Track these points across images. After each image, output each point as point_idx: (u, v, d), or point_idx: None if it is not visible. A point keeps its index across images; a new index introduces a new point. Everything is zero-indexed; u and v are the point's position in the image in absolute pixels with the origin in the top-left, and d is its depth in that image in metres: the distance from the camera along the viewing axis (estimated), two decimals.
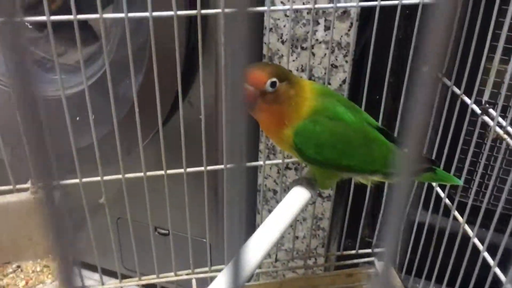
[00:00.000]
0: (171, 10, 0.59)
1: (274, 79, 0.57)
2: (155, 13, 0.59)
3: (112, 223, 1.15)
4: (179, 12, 0.59)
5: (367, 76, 0.75)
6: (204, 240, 1.09)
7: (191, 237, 0.89)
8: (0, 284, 0.68)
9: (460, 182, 0.66)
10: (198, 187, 0.84)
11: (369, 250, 0.85)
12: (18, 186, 0.67)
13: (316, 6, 0.68)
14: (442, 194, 0.71)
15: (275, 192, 1.07)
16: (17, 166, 0.69)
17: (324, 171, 0.64)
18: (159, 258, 0.90)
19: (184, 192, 0.81)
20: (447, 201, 0.71)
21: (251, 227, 1.14)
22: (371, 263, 0.84)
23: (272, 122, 0.62)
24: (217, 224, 1.11)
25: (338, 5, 0.68)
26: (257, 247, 0.51)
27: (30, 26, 1.16)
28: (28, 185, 0.66)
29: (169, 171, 0.78)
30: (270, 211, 1.12)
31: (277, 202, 1.08)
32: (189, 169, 0.79)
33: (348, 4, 0.73)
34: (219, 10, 0.61)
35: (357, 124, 0.62)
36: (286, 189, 1.07)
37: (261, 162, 0.84)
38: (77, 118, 1.02)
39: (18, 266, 0.71)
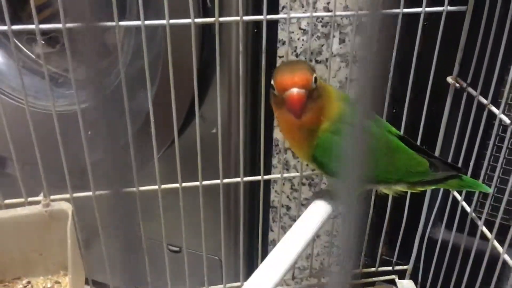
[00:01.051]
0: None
1: (314, 74, 0.54)
2: (172, 21, 0.57)
3: None
4: (197, 20, 0.57)
5: (388, 89, 0.73)
6: (216, 257, 1.06)
7: (200, 254, 0.86)
8: None
9: (490, 189, 0.63)
10: (211, 203, 0.82)
11: (388, 268, 0.82)
12: (29, 199, 0.65)
13: (337, 13, 0.65)
14: (468, 209, 0.68)
15: (288, 208, 1.04)
16: (29, 180, 0.67)
17: None
18: (168, 276, 0.87)
19: (197, 207, 0.78)
20: (474, 215, 0.67)
21: (264, 244, 1.11)
22: (391, 282, 0.80)
23: (312, 120, 0.56)
24: (229, 240, 1.07)
25: (360, 12, 0.66)
26: (278, 263, 0.48)
27: (42, 42, 1.15)
28: (40, 197, 0.64)
29: (184, 184, 0.76)
30: (283, 228, 1.09)
31: (290, 218, 1.05)
32: (204, 182, 0.76)
33: None
34: (237, 18, 0.59)
35: (378, 132, 0.60)
36: (300, 205, 1.04)
37: (278, 175, 0.82)
38: (89, 133, 1.00)
39: (29, 282, 0.68)
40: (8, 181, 1.07)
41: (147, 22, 0.57)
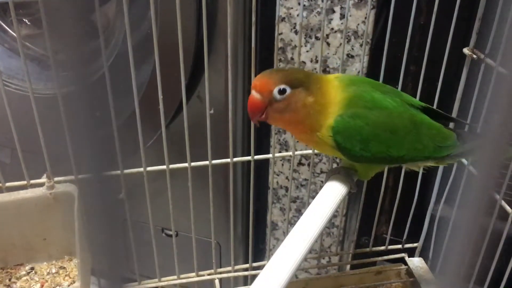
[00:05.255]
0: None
1: (282, 86, 0.52)
2: None
3: None
4: None
5: (382, 65, 0.69)
6: (215, 241, 1.02)
7: (197, 237, 0.82)
8: (14, 287, 0.60)
9: None
10: (207, 186, 0.77)
11: (398, 246, 0.79)
12: (32, 181, 0.60)
13: None
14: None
15: (287, 189, 1.01)
16: (28, 163, 0.61)
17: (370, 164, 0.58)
18: (164, 261, 0.82)
19: (195, 191, 0.74)
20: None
21: (263, 225, 1.07)
22: (401, 260, 0.77)
23: (293, 130, 0.58)
24: (228, 223, 1.03)
25: None
26: (297, 245, 0.44)
27: (28, 23, 1.08)
28: (43, 180, 0.58)
29: (171, 166, 0.71)
30: (281, 209, 1.05)
31: (289, 199, 1.02)
32: (193, 163, 0.72)
33: None
34: None
35: (400, 108, 0.55)
36: (299, 186, 1.00)
37: (269, 155, 0.78)
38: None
39: (32, 268, 0.63)
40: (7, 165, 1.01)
41: None
